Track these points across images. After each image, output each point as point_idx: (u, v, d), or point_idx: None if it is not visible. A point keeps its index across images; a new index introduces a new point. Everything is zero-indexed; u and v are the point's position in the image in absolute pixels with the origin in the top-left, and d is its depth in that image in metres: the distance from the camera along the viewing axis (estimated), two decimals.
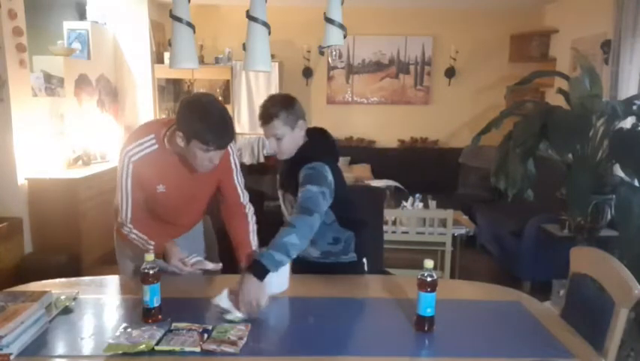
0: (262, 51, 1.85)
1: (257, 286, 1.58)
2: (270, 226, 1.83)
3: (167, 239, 1.79)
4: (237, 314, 1.55)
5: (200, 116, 1.60)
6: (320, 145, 1.98)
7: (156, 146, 1.72)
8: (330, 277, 2.04)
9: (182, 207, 1.87)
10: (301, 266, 1.98)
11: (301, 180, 1.83)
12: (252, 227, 1.93)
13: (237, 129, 5.68)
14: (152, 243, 1.76)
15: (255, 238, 1.90)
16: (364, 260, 2.10)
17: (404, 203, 3.81)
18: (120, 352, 1.33)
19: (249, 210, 1.96)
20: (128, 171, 1.72)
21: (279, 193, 2.07)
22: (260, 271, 1.60)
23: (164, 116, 5.53)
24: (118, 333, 1.41)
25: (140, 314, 1.52)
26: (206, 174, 1.76)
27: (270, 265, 1.61)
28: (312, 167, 1.85)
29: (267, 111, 1.87)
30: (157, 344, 1.36)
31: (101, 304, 1.67)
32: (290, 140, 1.90)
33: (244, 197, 1.96)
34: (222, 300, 1.58)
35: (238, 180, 1.93)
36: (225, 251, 2.05)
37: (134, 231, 1.79)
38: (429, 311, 1.48)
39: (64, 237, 3.77)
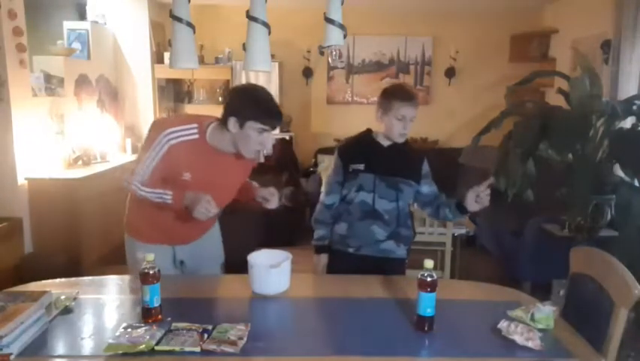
0: (262, 51, 1.84)
1: None
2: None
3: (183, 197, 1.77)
4: None
5: (255, 100, 1.75)
6: None
7: (197, 136, 1.79)
8: (330, 276, 2.04)
9: None
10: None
11: (427, 173, 2.12)
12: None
13: None
14: (170, 193, 1.77)
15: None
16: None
17: None
18: (120, 352, 1.33)
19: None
20: (162, 150, 1.76)
21: (371, 178, 2.06)
22: None
23: (164, 115, 5.54)
24: (118, 333, 1.41)
25: (140, 314, 1.52)
26: (234, 170, 1.88)
27: None
28: None
29: (413, 94, 2.04)
30: (157, 344, 1.36)
31: (101, 304, 1.67)
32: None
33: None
34: None
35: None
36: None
37: (144, 188, 1.79)
38: (429, 311, 1.48)
39: (64, 237, 3.76)
